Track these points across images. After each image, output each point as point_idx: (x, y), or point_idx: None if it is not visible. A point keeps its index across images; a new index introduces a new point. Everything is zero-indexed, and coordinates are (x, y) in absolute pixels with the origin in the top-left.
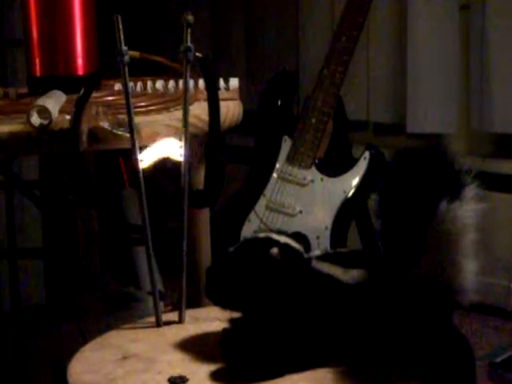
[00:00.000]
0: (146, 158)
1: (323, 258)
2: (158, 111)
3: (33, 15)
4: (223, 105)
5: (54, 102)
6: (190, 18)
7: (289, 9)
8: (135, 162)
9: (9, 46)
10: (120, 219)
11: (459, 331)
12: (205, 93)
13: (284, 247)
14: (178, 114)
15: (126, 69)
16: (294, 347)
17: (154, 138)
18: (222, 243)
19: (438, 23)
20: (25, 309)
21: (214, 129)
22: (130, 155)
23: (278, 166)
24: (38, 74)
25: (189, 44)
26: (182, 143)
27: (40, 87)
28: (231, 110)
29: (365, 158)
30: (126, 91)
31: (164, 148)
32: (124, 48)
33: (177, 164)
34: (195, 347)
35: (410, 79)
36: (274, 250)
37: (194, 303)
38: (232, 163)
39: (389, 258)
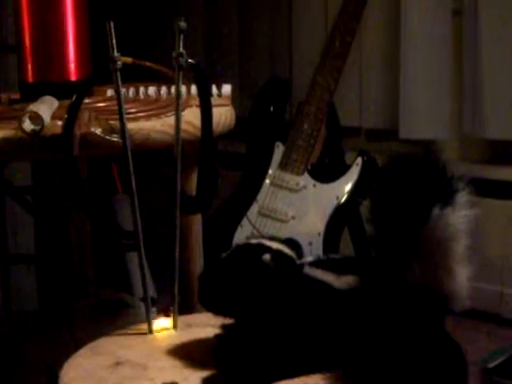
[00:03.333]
0: None
1: (316, 264)
2: (150, 117)
3: (25, 21)
4: (215, 111)
5: (46, 108)
6: (183, 24)
7: (281, 15)
8: (128, 167)
9: (1, 52)
10: (112, 225)
11: (452, 337)
12: (197, 99)
13: (276, 253)
14: (171, 119)
15: (119, 75)
16: (286, 353)
17: (146, 143)
18: (214, 249)
19: (430, 29)
20: (17, 315)
21: (206, 135)
22: (122, 161)
23: (270, 171)
24: (31, 79)
25: (181, 50)
26: None
27: (32, 93)
28: (223, 116)
29: (357, 164)
30: (118, 97)
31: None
32: (116, 54)
33: (169, 171)
34: (187, 353)
35: (403, 85)
36: (267, 256)
37: (187, 309)
38: (224, 169)
39: (381, 264)
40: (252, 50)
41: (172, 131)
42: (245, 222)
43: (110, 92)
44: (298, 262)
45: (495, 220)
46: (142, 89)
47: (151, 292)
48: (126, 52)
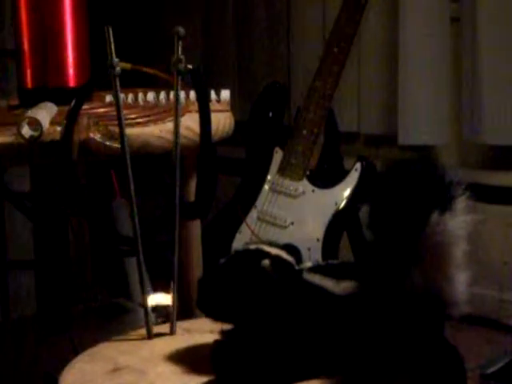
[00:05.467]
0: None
1: (314, 269)
2: (149, 123)
3: (24, 26)
4: (214, 116)
5: (45, 114)
6: (181, 30)
7: (280, 19)
8: (127, 173)
9: (0, 57)
10: (111, 231)
11: (450, 343)
12: (196, 104)
13: (275, 259)
14: (170, 125)
15: (117, 80)
16: (285, 359)
17: (145, 149)
18: (213, 255)
19: (429, 35)
20: (16, 320)
21: (205, 140)
22: (121, 167)
23: (269, 177)
24: (30, 85)
25: (180, 56)
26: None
27: (31, 98)
28: (222, 121)
29: (356, 170)
30: (117, 103)
31: (155, 299)
32: (115, 60)
33: (168, 176)
34: (186, 359)
35: (401, 91)
36: (266, 262)
37: (186, 315)
38: (223, 175)
39: (380, 270)
40: (251, 55)
41: (171, 137)
42: (244, 227)
43: (108, 98)
44: (297, 267)
45: (494, 225)
46: (140, 94)
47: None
48: (125, 58)
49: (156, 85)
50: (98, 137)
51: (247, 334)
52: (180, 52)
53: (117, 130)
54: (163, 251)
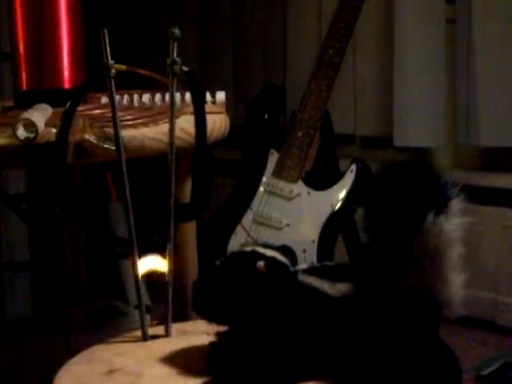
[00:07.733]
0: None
1: (310, 271)
2: (144, 124)
3: (19, 29)
4: (209, 118)
5: (41, 116)
6: (177, 31)
7: (276, 22)
8: (122, 175)
9: None
10: (107, 233)
11: (446, 344)
12: (191, 106)
13: (270, 261)
14: (165, 127)
15: (113, 82)
16: (280, 361)
17: (140, 151)
18: (208, 257)
19: (424, 37)
20: (11, 322)
21: (200, 142)
22: (116, 169)
23: (264, 179)
24: (25, 87)
25: (175, 57)
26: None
27: (26, 100)
28: (218, 123)
29: (351, 172)
30: (112, 104)
31: (148, 263)
32: (111, 61)
33: (163, 178)
34: (182, 361)
35: (397, 93)
36: (261, 264)
37: (181, 317)
38: (219, 176)
39: (375, 272)
40: (246, 57)
41: (166, 138)
42: (239, 229)
43: (104, 99)
44: (292, 269)
45: (489, 227)
46: (136, 96)
47: (145, 299)
48: (121, 59)
49: (151, 87)
50: (93, 138)
51: (242, 335)
52: (176, 54)
53: (112, 131)
54: (159, 253)
